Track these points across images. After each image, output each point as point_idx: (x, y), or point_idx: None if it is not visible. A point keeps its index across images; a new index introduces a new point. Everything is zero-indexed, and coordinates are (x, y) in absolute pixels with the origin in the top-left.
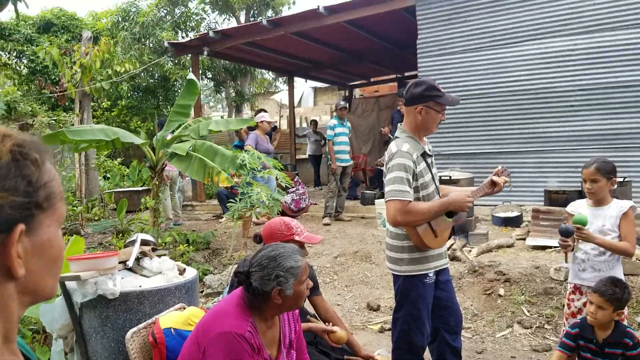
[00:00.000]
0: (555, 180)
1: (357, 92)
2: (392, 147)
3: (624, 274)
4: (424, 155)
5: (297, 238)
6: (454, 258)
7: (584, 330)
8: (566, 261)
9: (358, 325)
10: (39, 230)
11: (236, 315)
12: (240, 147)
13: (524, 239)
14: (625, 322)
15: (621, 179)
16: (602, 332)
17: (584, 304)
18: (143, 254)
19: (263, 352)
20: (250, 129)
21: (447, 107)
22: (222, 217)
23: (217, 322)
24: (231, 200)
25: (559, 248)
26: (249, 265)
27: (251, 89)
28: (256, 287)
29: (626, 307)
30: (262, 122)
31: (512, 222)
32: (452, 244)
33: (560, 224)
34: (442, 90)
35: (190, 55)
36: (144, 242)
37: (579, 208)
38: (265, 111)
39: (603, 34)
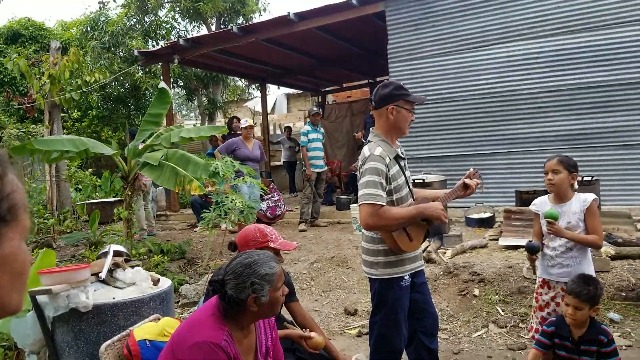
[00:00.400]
0: (525, 180)
1: (330, 98)
2: (365, 151)
3: (597, 271)
4: (397, 158)
5: (272, 245)
6: (429, 260)
7: (559, 329)
8: (534, 272)
9: (336, 330)
10: (2, 244)
11: (211, 324)
12: (213, 155)
13: (497, 240)
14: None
15: (589, 178)
16: (577, 330)
17: (552, 298)
18: (116, 265)
19: None
20: (225, 136)
21: (419, 111)
22: (196, 227)
23: (192, 332)
24: (205, 209)
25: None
26: (223, 273)
27: (224, 97)
28: (231, 295)
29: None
30: (245, 127)
31: (485, 223)
32: (427, 247)
33: (533, 220)
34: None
35: (161, 63)
36: (117, 253)
37: (542, 205)
38: (238, 119)
39: (568, 36)
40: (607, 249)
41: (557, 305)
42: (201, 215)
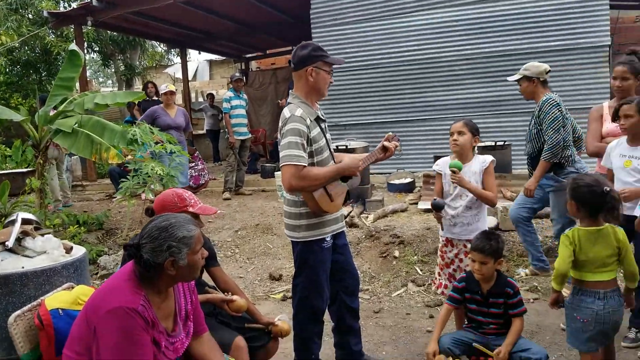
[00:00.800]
0: (444, 146)
1: (253, 65)
2: (286, 112)
3: (504, 230)
4: (318, 120)
5: (190, 209)
6: (352, 225)
7: (469, 284)
8: (442, 229)
9: (261, 296)
10: None
11: (127, 289)
12: (131, 122)
13: (417, 203)
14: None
15: (502, 143)
16: (486, 285)
17: (455, 255)
18: (25, 233)
19: (158, 326)
20: (141, 103)
21: (342, 78)
22: (115, 196)
23: (107, 298)
24: (123, 178)
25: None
26: (139, 237)
27: (142, 63)
28: (147, 259)
29: (508, 260)
30: (164, 94)
31: (406, 188)
32: (350, 212)
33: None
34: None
35: (73, 26)
36: (26, 221)
37: (445, 165)
38: (154, 84)
39: (486, 4)
40: None
41: (461, 262)
42: (119, 184)
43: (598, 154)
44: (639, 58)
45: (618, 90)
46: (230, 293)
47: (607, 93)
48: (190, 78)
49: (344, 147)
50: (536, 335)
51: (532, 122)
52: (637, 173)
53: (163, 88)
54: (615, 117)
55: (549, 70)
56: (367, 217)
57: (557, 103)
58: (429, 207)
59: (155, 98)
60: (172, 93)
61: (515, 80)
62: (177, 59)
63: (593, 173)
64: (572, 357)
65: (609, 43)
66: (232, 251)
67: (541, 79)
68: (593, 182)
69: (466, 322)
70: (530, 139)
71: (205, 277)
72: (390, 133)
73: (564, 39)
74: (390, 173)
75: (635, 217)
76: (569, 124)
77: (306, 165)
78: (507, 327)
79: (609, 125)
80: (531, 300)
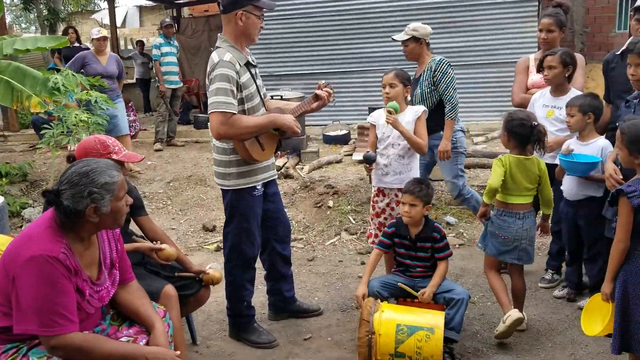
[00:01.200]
0: (379, 98)
1: (185, 12)
2: (214, 57)
3: (434, 180)
4: (248, 65)
5: (114, 157)
6: (287, 176)
7: (398, 229)
8: (370, 182)
9: (194, 247)
10: None
11: (47, 237)
12: (56, 70)
13: (351, 155)
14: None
15: None
16: (414, 229)
17: (387, 204)
18: None
19: (81, 274)
20: (62, 50)
21: (277, 27)
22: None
23: (26, 246)
24: (46, 125)
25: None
26: (58, 183)
27: (67, 7)
28: (68, 205)
29: (436, 209)
30: (97, 39)
31: (341, 140)
32: (286, 163)
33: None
34: None
35: None
36: None
37: (378, 117)
38: (75, 30)
39: None
40: None
41: (392, 210)
42: (42, 132)
43: (523, 105)
44: (564, 11)
45: (543, 43)
46: (159, 242)
47: (535, 46)
48: (119, 24)
49: (279, 97)
50: (460, 278)
51: (424, 82)
52: (558, 122)
53: (95, 33)
54: (539, 69)
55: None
56: (302, 168)
57: (449, 64)
58: (362, 158)
59: (77, 45)
60: (104, 38)
61: (401, 41)
62: (104, 4)
63: (525, 110)
64: (493, 297)
65: None
66: (164, 203)
67: (427, 41)
68: (524, 117)
69: (395, 266)
70: (423, 99)
71: (134, 227)
72: (323, 81)
73: None
74: (325, 125)
75: (556, 165)
76: None
77: (235, 112)
78: (433, 270)
79: (534, 77)
80: (457, 246)
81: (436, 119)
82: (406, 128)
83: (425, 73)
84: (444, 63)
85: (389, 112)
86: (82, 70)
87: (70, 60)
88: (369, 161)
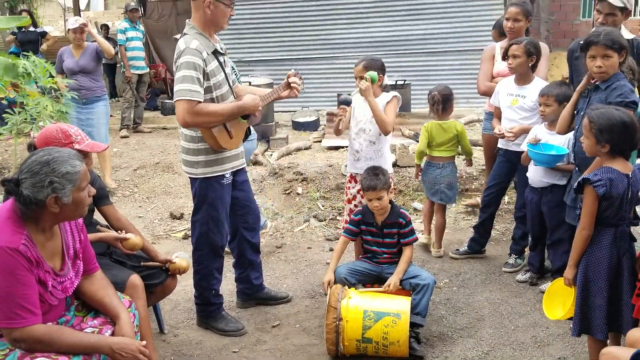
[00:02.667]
0: (347, 84)
1: None
2: (181, 44)
3: (401, 166)
4: (216, 53)
5: (77, 147)
6: (255, 163)
7: (365, 216)
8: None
9: (161, 235)
10: None
11: (7, 229)
12: (16, 54)
13: (320, 141)
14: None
15: (402, 82)
16: (380, 216)
17: (358, 191)
18: None
19: (43, 265)
20: (16, 33)
21: (246, 13)
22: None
23: None
24: (8, 111)
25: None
26: (18, 172)
27: None
28: (27, 195)
29: (404, 195)
30: (72, 30)
31: (310, 126)
32: (254, 150)
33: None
34: None
35: None
36: None
37: (354, 102)
38: (30, 12)
39: None
40: (414, 147)
41: (362, 197)
42: (4, 119)
43: (488, 93)
44: (531, 0)
45: (510, 32)
46: (124, 231)
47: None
48: (82, 7)
49: (247, 84)
50: (427, 263)
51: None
52: (522, 111)
53: (71, 23)
54: (505, 57)
55: None
56: (271, 154)
57: None
58: (333, 145)
59: (32, 29)
60: (81, 30)
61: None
62: None
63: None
64: (458, 282)
65: None
66: (131, 190)
67: None
68: (443, 90)
69: (363, 253)
70: None
71: (99, 216)
72: (293, 70)
73: None
74: (294, 111)
75: (522, 152)
76: None
77: (201, 100)
78: (399, 256)
79: (499, 66)
80: (424, 232)
81: None
82: (374, 100)
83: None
84: None
85: (365, 80)
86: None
87: (25, 45)
88: (344, 103)
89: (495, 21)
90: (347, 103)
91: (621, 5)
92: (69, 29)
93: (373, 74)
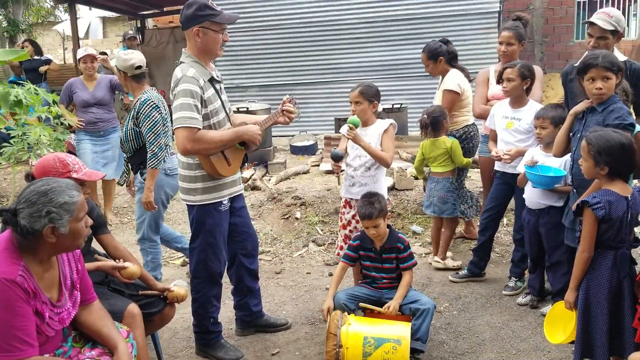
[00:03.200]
0: (344, 108)
1: (150, 23)
2: (177, 72)
3: (400, 189)
4: (212, 81)
5: (74, 175)
6: (254, 187)
7: (363, 242)
8: (339, 183)
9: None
10: None
11: (4, 260)
12: (16, 82)
13: (318, 165)
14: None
15: (398, 105)
16: (379, 242)
17: (353, 216)
18: None
19: (40, 296)
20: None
21: (244, 39)
22: None
23: None
24: (6, 144)
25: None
26: (16, 202)
27: (27, 19)
28: (25, 225)
29: (402, 218)
30: (81, 59)
31: (308, 151)
32: (252, 174)
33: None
34: (218, 8)
35: None
36: None
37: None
38: (32, 42)
39: None
40: (412, 170)
41: (357, 222)
42: (1, 149)
43: (483, 116)
44: (524, 24)
45: (503, 55)
46: (121, 260)
47: (496, 57)
48: (82, 36)
49: (245, 109)
50: (427, 287)
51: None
52: (518, 134)
53: (80, 52)
54: (499, 80)
55: (140, 66)
56: (270, 179)
57: (157, 105)
58: (330, 168)
59: (36, 57)
60: (91, 59)
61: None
62: (66, 15)
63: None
64: (458, 306)
65: (499, 9)
66: (129, 218)
67: (130, 74)
68: (432, 112)
69: (362, 278)
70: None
71: (96, 245)
72: (288, 96)
73: (457, 4)
74: (292, 135)
75: (518, 174)
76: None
77: (200, 127)
78: (399, 281)
79: (493, 89)
80: (423, 255)
81: None
82: (367, 142)
83: (131, 113)
84: (146, 103)
85: (350, 128)
86: (71, 99)
87: (29, 73)
88: (335, 158)
89: (426, 44)
90: (339, 157)
91: (612, 28)
92: (79, 59)
93: (354, 119)
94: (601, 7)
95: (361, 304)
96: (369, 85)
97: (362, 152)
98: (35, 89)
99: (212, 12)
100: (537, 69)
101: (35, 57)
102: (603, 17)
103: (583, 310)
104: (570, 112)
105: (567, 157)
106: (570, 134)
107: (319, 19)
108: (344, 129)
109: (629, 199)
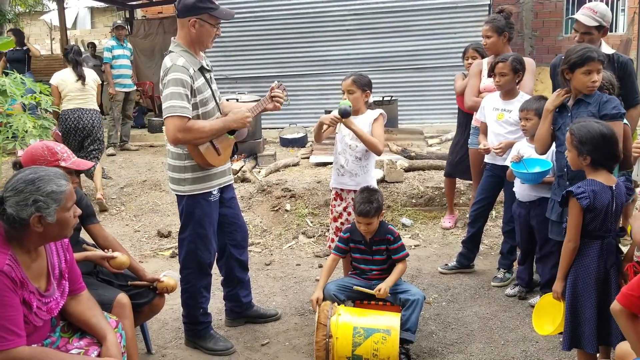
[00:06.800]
0: (334, 100)
1: (139, 13)
2: (167, 61)
3: (389, 182)
4: (202, 70)
5: (63, 164)
6: (244, 179)
7: (353, 234)
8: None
9: (149, 253)
10: None
11: None
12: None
13: (308, 158)
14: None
15: (389, 98)
16: (368, 234)
17: (344, 209)
18: None
19: (28, 285)
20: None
21: (234, 30)
22: None
23: None
24: None
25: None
26: (3, 190)
27: (15, 8)
28: (11, 214)
29: (392, 210)
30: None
31: (298, 143)
32: (242, 166)
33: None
34: (216, 2)
35: None
36: None
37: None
38: (18, 31)
39: None
40: (402, 162)
41: (349, 215)
42: None
43: (474, 108)
44: (505, 16)
45: (486, 48)
46: (110, 250)
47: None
48: (69, 26)
49: (235, 101)
50: (416, 278)
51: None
52: (508, 125)
53: None
54: (491, 74)
55: None
56: (259, 171)
57: None
58: (321, 161)
59: (18, 48)
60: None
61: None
62: (54, 5)
63: None
64: (447, 297)
65: (489, 2)
66: (118, 209)
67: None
68: None
69: (352, 270)
70: None
71: (85, 235)
72: (276, 82)
73: None
74: (282, 127)
75: (508, 166)
76: None
77: (190, 117)
78: (389, 273)
79: (485, 81)
80: (412, 247)
81: None
82: (358, 127)
83: None
84: None
85: (340, 114)
86: None
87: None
88: (344, 114)
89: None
90: (347, 114)
91: (596, 24)
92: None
93: (346, 102)
94: (589, 1)
95: (355, 287)
96: (361, 74)
97: (353, 142)
98: (22, 79)
99: (211, 6)
100: (529, 61)
101: (18, 48)
102: (587, 12)
103: (571, 300)
104: (547, 107)
105: (553, 147)
106: (556, 128)
107: (309, 10)
108: (334, 113)
109: (614, 188)
